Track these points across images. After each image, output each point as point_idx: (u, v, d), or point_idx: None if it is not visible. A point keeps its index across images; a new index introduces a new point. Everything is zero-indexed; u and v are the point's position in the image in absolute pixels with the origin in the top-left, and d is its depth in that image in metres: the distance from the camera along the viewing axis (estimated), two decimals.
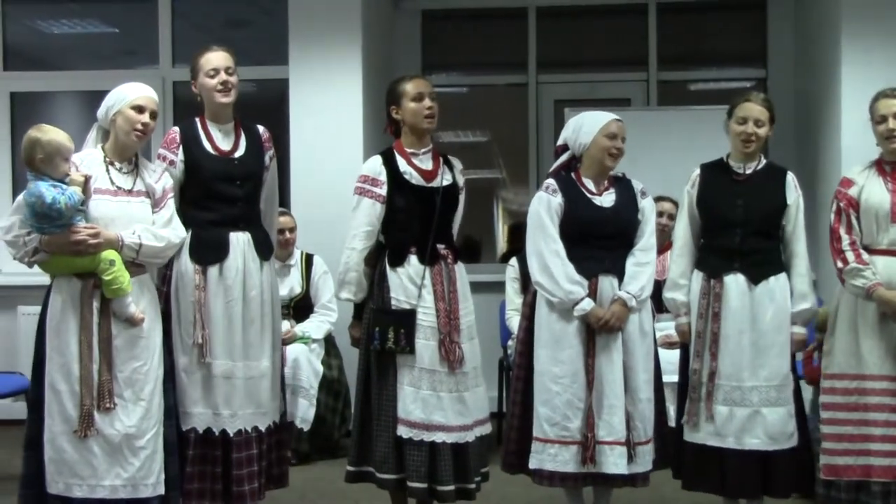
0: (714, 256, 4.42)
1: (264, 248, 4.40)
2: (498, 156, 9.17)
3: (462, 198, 4.51)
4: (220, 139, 4.37)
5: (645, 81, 7.85)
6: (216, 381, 4.23)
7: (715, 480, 4.36)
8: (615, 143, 4.29)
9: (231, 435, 4.23)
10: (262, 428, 4.33)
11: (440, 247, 4.34)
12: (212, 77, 4.31)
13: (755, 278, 4.35)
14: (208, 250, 4.26)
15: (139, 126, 4.07)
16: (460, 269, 4.42)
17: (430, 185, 4.35)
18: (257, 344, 4.32)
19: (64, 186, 3.91)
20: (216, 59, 4.33)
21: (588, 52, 8.14)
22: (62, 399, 3.94)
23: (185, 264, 4.25)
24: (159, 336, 4.14)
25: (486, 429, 4.43)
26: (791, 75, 7.63)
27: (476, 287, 6.04)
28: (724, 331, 4.33)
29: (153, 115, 4.11)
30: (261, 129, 4.51)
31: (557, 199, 4.28)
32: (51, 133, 3.96)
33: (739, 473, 4.31)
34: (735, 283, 4.35)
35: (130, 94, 4.09)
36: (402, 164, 4.35)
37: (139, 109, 4.07)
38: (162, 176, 4.21)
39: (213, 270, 4.25)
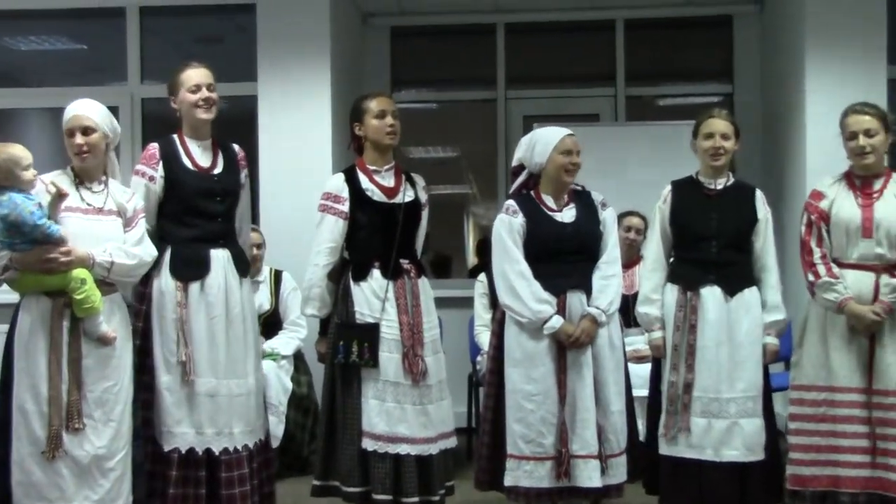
0: (690, 269, 4.46)
1: (243, 265, 4.42)
2: (467, 171, 9.19)
3: (425, 214, 4.55)
4: (198, 155, 4.37)
5: (613, 97, 7.88)
6: (200, 400, 4.22)
7: (693, 493, 4.38)
8: (571, 159, 4.33)
9: (217, 454, 4.21)
10: (251, 446, 4.32)
11: (403, 261, 4.39)
12: (194, 93, 4.32)
13: (731, 290, 4.40)
14: (189, 267, 4.26)
15: (76, 149, 4.06)
16: (424, 283, 4.46)
17: (391, 201, 4.40)
18: (242, 361, 4.32)
19: (35, 197, 3.89)
20: (197, 75, 4.34)
21: (556, 68, 8.18)
22: (30, 420, 3.90)
23: (166, 281, 4.24)
24: (130, 356, 4.12)
25: (451, 442, 4.45)
26: (757, 91, 7.69)
27: (447, 302, 6.06)
28: (701, 342, 4.38)
29: (86, 132, 4.06)
30: (236, 147, 4.53)
31: (519, 220, 4.31)
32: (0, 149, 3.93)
33: (717, 486, 4.34)
34: (711, 295, 4.40)
35: (64, 121, 4.09)
36: (363, 180, 4.39)
37: (70, 133, 4.07)
38: (133, 196, 4.20)
39: (194, 287, 4.25)
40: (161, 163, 4.30)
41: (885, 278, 4.29)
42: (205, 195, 4.30)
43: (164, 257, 4.24)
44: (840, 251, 4.39)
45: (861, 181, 4.42)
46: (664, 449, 4.41)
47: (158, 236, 4.28)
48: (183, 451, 4.19)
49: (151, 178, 4.29)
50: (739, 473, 4.35)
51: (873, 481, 4.28)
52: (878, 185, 4.39)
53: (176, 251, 4.26)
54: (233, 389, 4.27)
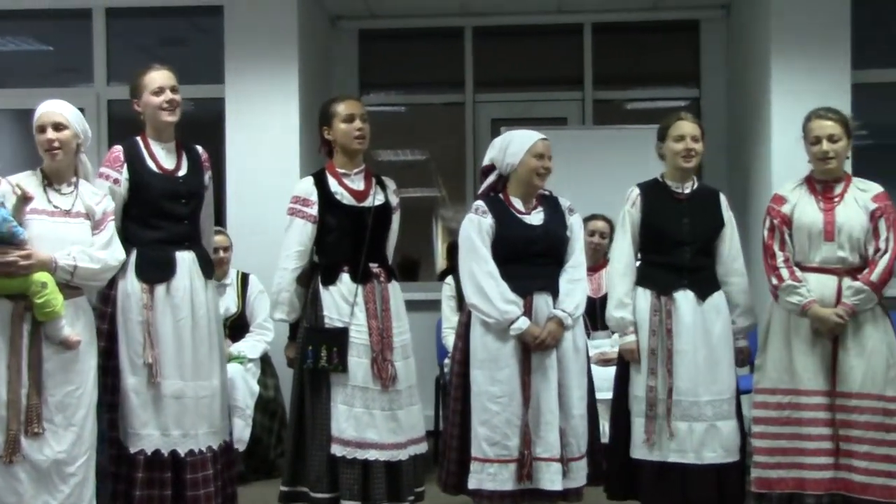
0: (662, 273, 4.48)
1: (208, 267, 4.41)
2: (436, 174, 9.20)
3: (396, 217, 4.54)
4: (163, 157, 4.36)
5: (581, 101, 7.91)
6: (166, 402, 4.20)
7: (676, 497, 4.40)
8: (543, 163, 4.33)
9: (182, 455, 4.20)
10: (216, 447, 4.32)
11: (373, 265, 4.38)
12: (157, 95, 4.30)
13: (702, 294, 4.44)
14: (155, 269, 4.25)
15: (45, 145, 4.03)
16: (394, 287, 4.44)
17: (361, 204, 4.39)
18: (207, 363, 4.31)
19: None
20: (160, 77, 4.33)
21: (524, 72, 8.20)
22: None
23: (132, 284, 4.22)
24: (94, 360, 4.08)
25: (422, 448, 4.44)
26: (723, 95, 7.75)
27: (415, 305, 6.05)
28: (679, 347, 4.40)
29: (58, 128, 4.04)
30: (199, 149, 4.52)
31: (488, 220, 4.30)
32: None
33: (700, 488, 4.36)
34: (685, 299, 4.42)
35: (34, 119, 4.06)
36: (333, 184, 4.38)
37: (41, 130, 4.03)
38: (104, 198, 4.17)
39: (160, 289, 4.24)
40: (125, 165, 4.29)
41: (847, 281, 4.32)
42: (170, 197, 4.29)
43: (130, 259, 4.22)
44: (802, 255, 4.43)
45: (822, 186, 4.46)
46: (645, 454, 4.41)
47: (123, 238, 4.24)
48: (149, 453, 4.18)
49: (116, 181, 4.28)
50: (717, 475, 4.38)
51: (837, 482, 4.32)
52: (838, 190, 4.43)
53: (141, 253, 4.24)
54: (199, 391, 4.26)
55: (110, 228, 4.13)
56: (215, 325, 4.40)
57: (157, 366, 4.18)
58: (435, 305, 6.33)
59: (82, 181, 4.16)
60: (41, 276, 3.88)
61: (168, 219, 4.30)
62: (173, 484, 4.21)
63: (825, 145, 4.38)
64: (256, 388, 5.89)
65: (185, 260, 4.30)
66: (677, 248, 4.46)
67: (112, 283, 4.23)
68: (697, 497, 4.37)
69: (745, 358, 4.53)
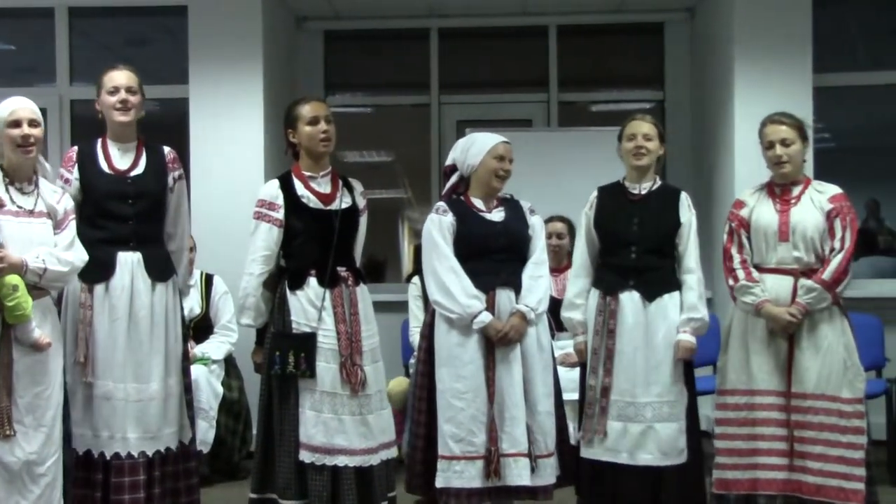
0: (610, 274, 4.50)
1: (159, 269, 4.35)
2: (402, 176, 9.19)
3: (363, 220, 4.51)
4: (117, 158, 4.34)
5: (546, 102, 7.94)
6: (97, 402, 4.19)
7: (608, 496, 4.41)
8: (503, 165, 4.36)
9: (108, 458, 4.18)
10: (150, 453, 4.25)
11: (340, 269, 4.34)
12: (112, 95, 4.30)
13: (649, 296, 4.43)
14: (94, 269, 4.21)
15: (20, 140, 4.00)
16: (362, 291, 4.41)
17: (328, 207, 4.35)
18: (145, 366, 4.26)
19: None
20: (118, 77, 4.32)
21: (490, 73, 8.22)
22: None
23: (74, 283, 4.21)
24: (60, 360, 4.07)
25: (393, 452, 4.41)
26: (687, 97, 7.79)
27: (380, 307, 6.03)
28: (619, 347, 4.41)
29: (33, 124, 4.02)
30: (166, 149, 4.48)
31: (448, 219, 4.33)
32: None
33: (632, 489, 4.37)
34: (630, 300, 4.43)
35: (3, 113, 4.01)
36: (299, 187, 4.35)
37: (15, 124, 3.99)
38: (63, 197, 4.15)
39: (99, 289, 4.23)
40: (76, 166, 4.29)
41: (802, 280, 4.37)
42: (115, 197, 4.27)
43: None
44: (760, 256, 4.47)
45: (780, 189, 4.51)
46: (583, 451, 4.45)
47: (80, 238, 4.23)
48: (80, 453, 4.17)
49: (67, 181, 4.29)
50: (654, 477, 4.38)
51: (791, 483, 4.35)
52: (796, 192, 4.48)
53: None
54: (130, 394, 4.22)
55: (72, 228, 4.12)
56: (162, 328, 4.32)
57: (89, 365, 4.16)
58: (401, 307, 6.33)
59: (42, 180, 4.14)
60: (12, 279, 3.85)
61: (113, 219, 4.28)
62: (103, 486, 4.19)
63: (778, 149, 4.44)
64: (220, 390, 5.86)
65: (128, 261, 4.27)
66: (624, 248, 4.48)
67: None
68: (628, 498, 4.37)
69: (682, 351, 4.39)
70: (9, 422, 3.85)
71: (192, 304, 5.97)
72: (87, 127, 6.88)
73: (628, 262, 4.45)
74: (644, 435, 4.35)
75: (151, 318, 4.28)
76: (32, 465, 3.89)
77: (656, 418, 4.36)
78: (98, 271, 4.22)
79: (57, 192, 4.15)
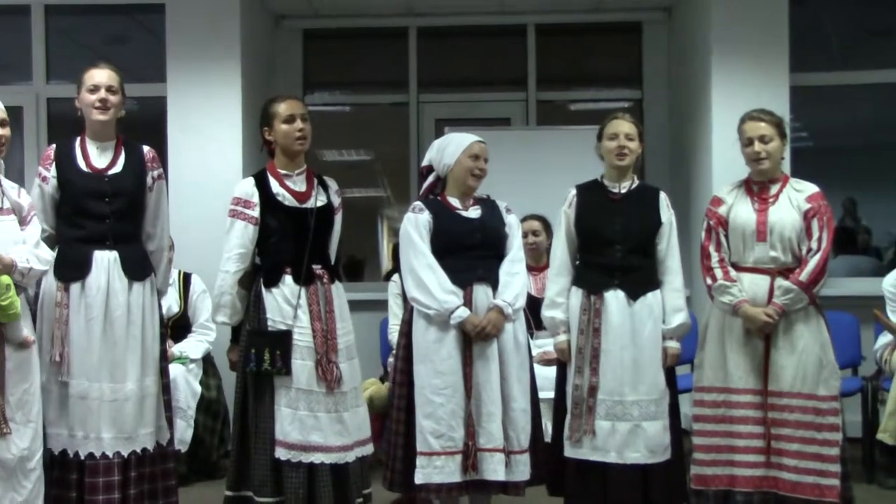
0: (594, 273, 4.48)
1: (136, 268, 4.33)
2: (381, 174, 9.20)
3: (338, 218, 4.52)
4: (95, 156, 4.32)
5: (524, 101, 7.95)
6: (73, 401, 4.17)
7: (598, 496, 4.41)
8: (478, 164, 4.38)
9: (82, 458, 4.16)
10: (126, 453, 4.23)
11: (316, 267, 4.36)
12: (91, 93, 4.28)
13: (634, 294, 4.43)
14: (70, 267, 4.21)
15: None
16: (337, 288, 4.43)
17: (303, 206, 4.36)
18: (121, 365, 4.24)
19: None
20: (99, 75, 4.30)
21: (468, 72, 8.23)
22: None
23: (49, 281, 4.20)
24: (37, 356, 4.08)
25: (368, 449, 4.43)
26: (665, 96, 7.83)
27: (360, 305, 6.04)
28: (605, 346, 4.40)
29: (3, 124, 4.03)
30: (146, 149, 4.46)
31: (425, 216, 4.35)
32: None
33: (621, 488, 4.37)
34: (615, 299, 4.43)
35: None
36: (274, 185, 4.36)
37: None
38: (21, 192, 4.16)
39: (75, 288, 4.21)
40: (54, 164, 4.28)
41: (779, 280, 4.38)
42: (93, 196, 4.25)
43: (52, 257, 4.20)
44: (738, 255, 4.48)
45: (758, 187, 4.52)
46: (569, 451, 4.43)
47: (56, 237, 4.24)
48: (56, 453, 4.16)
49: (45, 179, 4.28)
50: (642, 475, 4.39)
51: (767, 480, 4.37)
52: (774, 190, 4.49)
53: (61, 251, 4.23)
54: (105, 393, 4.20)
55: (36, 223, 4.14)
56: (139, 328, 4.30)
57: (64, 364, 4.15)
58: (380, 305, 6.33)
59: (1, 177, 4.15)
60: (3, 279, 3.87)
61: (90, 217, 4.26)
62: (78, 486, 4.18)
63: (757, 146, 4.45)
64: (198, 389, 5.85)
65: (105, 259, 4.25)
66: (608, 247, 4.47)
67: (38, 281, 4.21)
68: (618, 497, 4.38)
69: (671, 359, 4.47)
70: (4, 420, 3.88)
71: (170, 303, 5.96)
72: (63, 125, 6.86)
73: (613, 260, 4.46)
74: (632, 433, 4.36)
75: (128, 318, 4.27)
76: (24, 460, 3.93)
77: (643, 416, 4.37)
78: (74, 270, 4.21)
79: (14, 187, 4.16)
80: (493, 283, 4.32)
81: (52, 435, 4.14)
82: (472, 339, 4.24)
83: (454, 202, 4.41)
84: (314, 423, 4.21)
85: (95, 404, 4.18)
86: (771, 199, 4.47)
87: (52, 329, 4.17)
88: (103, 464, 4.17)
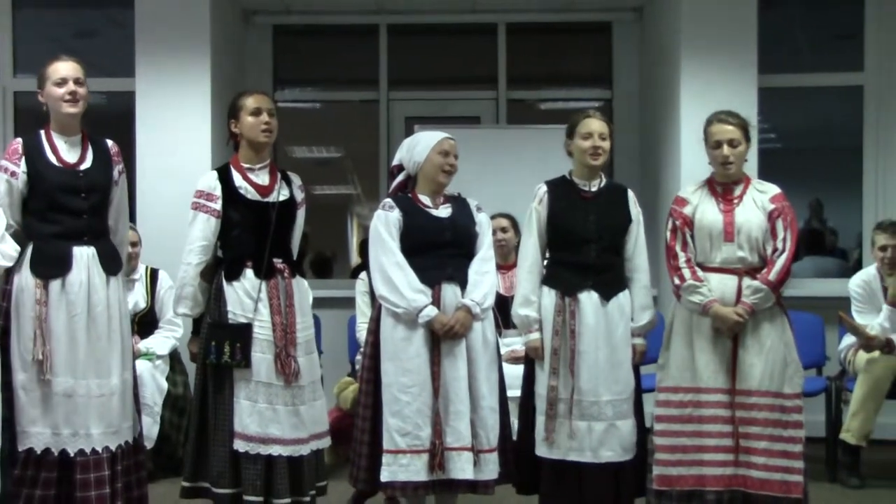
0: (568, 273, 4.49)
1: (111, 263, 4.33)
2: (351, 171, 9.18)
3: (301, 213, 4.53)
4: (65, 151, 4.28)
5: (494, 100, 7.96)
6: (57, 399, 4.13)
7: (573, 495, 4.43)
8: (448, 160, 4.38)
9: (72, 455, 4.14)
10: (114, 448, 4.23)
11: (277, 261, 4.37)
12: (59, 87, 4.24)
13: (606, 295, 4.46)
14: (50, 264, 4.18)
15: None
16: (299, 283, 4.44)
17: (265, 199, 4.38)
18: (105, 360, 4.23)
19: None
20: (65, 68, 4.26)
21: (439, 70, 8.24)
22: None
23: (26, 279, 4.16)
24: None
25: (324, 443, 4.45)
26: (635, 96, 7.85)
27: (328, 302, 6.03)
28: (581, 347, 4.42)
29: None
30: (109, 143, 4.44)
31: (395, 214, 4.34)
32: None
33: (597, 486, 4.40)
34: (589, 299, 4.44)
35: None
36: (237, 178, 4.38)
37: None
38: None
39: (55, 285, 4.17)
40: (24, 158, 4.22)
41: (747, 280, 4.41)
42: (68, 191, 4.22)
43: (26, 254, 4.17)
44: (704, 255, 4.50)
45: (722, 188, 4.54)
46: (544, 452, 4.44)
47: (23, 232, 4.20)
48: (38, 451, 4.13)
49: (13, 174, 4.22)
50: (614, 473, 4.42)
51: (736, 478, 4.39)
52: (738, 191, 4.51)
53: (37, 248, 4.19)
54: (92, 389, 4.19)
55: (2, 217, 4.11)
56: (118, 322, 4.31)
57: (47, 363, 4.11)
58: (348, 303, 6.32)
59: None
60: None
61: (66, 213, 4.22)
62: (59, 484, 4.15)
63: (726, 150, 4.46)
64: (165, 385, 5.83)
65: (84, 255, 4.23)
66: (583, 246, 4.48)
67: (8, 278, 4.18)
68: (594, 495, 4.41)
69: (639, 356, 4.53)
70: None
71: (137, 299, 5.94)
72: (30, 118, 6.81)
73: (588, 260, 4.47)
74: (607, 432, 4.39)
75: (108, 313, 4.26)
76: None
77: (617, 416, 4.40)
78: (54, 267, 4.18)
79: None
80: (462, 282, 4.33)
81: (33, 434, 4.11)
82: (441, 338, 4.25)
83: (425, 200, 4.41)
84: (273, 416, 4.23)
85: (83, 401, 4.16)
86: (736, 200, 4.49)
87: (30, 328, 4.12)
88: (93, 459, 4.17)
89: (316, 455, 4.38)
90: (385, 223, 4.34)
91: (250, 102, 4.39)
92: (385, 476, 4.21)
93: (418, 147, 4.42)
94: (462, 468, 4.18)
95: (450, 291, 4.30)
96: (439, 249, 4.32)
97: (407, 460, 4.20)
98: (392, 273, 4.27)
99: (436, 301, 4.26)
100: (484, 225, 4.48)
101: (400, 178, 4.49)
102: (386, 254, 4.30)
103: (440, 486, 4.25)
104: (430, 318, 4.22)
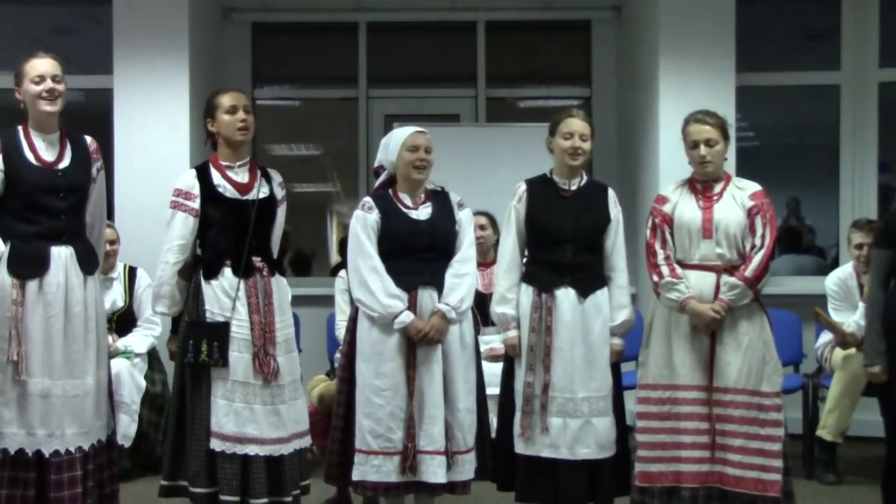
0: (545, 271, 4.50)
1: (88, 263, 4.30)
2: (331, 169, 9.18)
3: (281, 211, 4.51)
4: (43, 149, 4.25)
5: (474, 98, 7.96)
6: (32, 400, 4.11)
7: (548, 491, 4.43)
8: (418, 155, 4.33)
9: (47, 456, 4.11)
10: (86, 447, 4.21)
11: (255, 259, 4.35)
12: (37, 84, 4.20)
13: (584, 292, 4.46)
14: (28, 264, 4.14)
15: None
16: (278, 281, 4.42)
17: (244, 197, 4.36)
18: (81, 361, 4.21)
19: None
20: (42, 65, 4.23)
21: (418, 68, 8.23)
22: None
23: (3, 278, 4.12)
24: None
25: (306, 442, 4.44)
26: (614, 95, 7.87)
27: (307, 300, 6.01)
28: (557, 343, 4.42)
29: None
30: (88, 139, 4.41)
31: (373, 216, 4.32)
32: None
33: (571, 483, 4.40)
34: (566, 296, 4.45)
35: None
36: (216, 176, 4.36)
37: None
38: None
39: (32, 285, 4.13)
40: (0, 156, 4.18)
41: (724, 277, 4.43)
42: (47, 191, 4.19)
43: (3, 253, 4.13)
44: (683, 252, 4.52)
45: (702, 186, 4.56)
46: (520, 448, 4.45)
47: (1, 232, 4.17)
48: (12, 452, 4.10)
49: None
50: (590, 471, 4.43)
51: (712, 475, 4.41)
52: (718, 189, 4.54)
53: (14, 247, 4.15)
54: (68, 390, 4.16)
55: None
56: (94, 322, 4.28)
57: (22, 363, 4.09)
58: (327, 300, 6.31)
59: None
60: None
61: (44, 213, 4.19)
62: (37, 484, 4.13)
63: (703, 150, 4.49)
64: (143, 384, 5.81)
65: (61, 255, 4.20)
66: (560, 244, 4.49)
67: None
68: (568, 492, 4.41)
69: (615, 356, 4.52)
70: None
71: (115, 298, 5.91)
72: (8, 116, 6.77)
73: (564, 258, 4.47)
74: (582, 430, 4.39)
75: (85, 313, 4.23)
76: None
77: (593, 413, 4.41)
78: (32, 267, 4.14)
79: None
80: (440, 286, 4.30)
81: (7, 435, 4.09)
82: (416, 343, 4.24)
83: (405, 199, 4.38)
84: (249, 416, 4.22)
85: (59, 402, 4.14)
86: (715, 197, 4.52)
87: (5, 328, 4.09)
88: (66, 459, 4.14)
89: (299, 454, 4.37)
90: (363, 225, 4.32)
91: (226, 100, 4.37)
92: (356, 475, 4.22)
93: (391, 145, 4.39)
94: (434, 472, 4.18)
95: (426, 296, 4.28)
96: (417, 253, 4.30)
97: (378, 461, 4.20)
98: (368, 278, 4.25)
99: (412, 306, 4.24)
100: (465, 222, 4.44)
101: (382, 177, 4.47)
102: (363, 257, 4.28)
103: (417, 488, 4.25)
104: (406, 324, 4.20)
